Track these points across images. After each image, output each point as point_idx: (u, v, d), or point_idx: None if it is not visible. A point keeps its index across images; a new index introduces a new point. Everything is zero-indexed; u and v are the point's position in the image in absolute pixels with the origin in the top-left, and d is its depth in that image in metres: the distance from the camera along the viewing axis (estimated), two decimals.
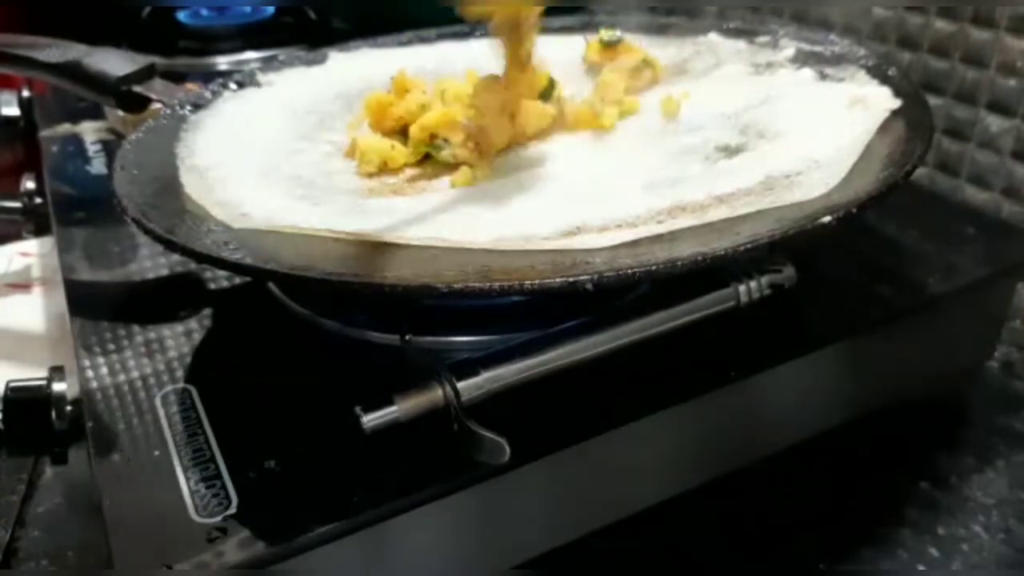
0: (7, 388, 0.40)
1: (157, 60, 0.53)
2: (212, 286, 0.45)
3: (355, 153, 0.44)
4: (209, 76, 0.65)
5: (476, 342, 0.37)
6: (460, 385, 0.32)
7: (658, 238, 0.34)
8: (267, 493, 0.31)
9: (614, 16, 0.61)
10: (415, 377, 0.33)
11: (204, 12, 0.84)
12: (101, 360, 0.39)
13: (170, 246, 0.35)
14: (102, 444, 0.34)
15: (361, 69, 0.56)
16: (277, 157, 0.45)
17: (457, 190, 0.41)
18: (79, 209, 0.53)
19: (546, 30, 0.60)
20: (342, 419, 0.32)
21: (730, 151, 0.41)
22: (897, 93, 0.44)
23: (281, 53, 0.72)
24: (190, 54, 0.79)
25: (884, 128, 0.41)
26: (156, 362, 0.39)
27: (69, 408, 0.40)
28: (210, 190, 0.41)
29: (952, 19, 0.55)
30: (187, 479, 0.32)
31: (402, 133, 0.45)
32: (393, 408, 0.32)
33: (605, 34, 0.53)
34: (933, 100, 0.55)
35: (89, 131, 0.65)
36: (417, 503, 0.31)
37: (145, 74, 0.51)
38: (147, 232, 0.36)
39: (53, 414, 0.40)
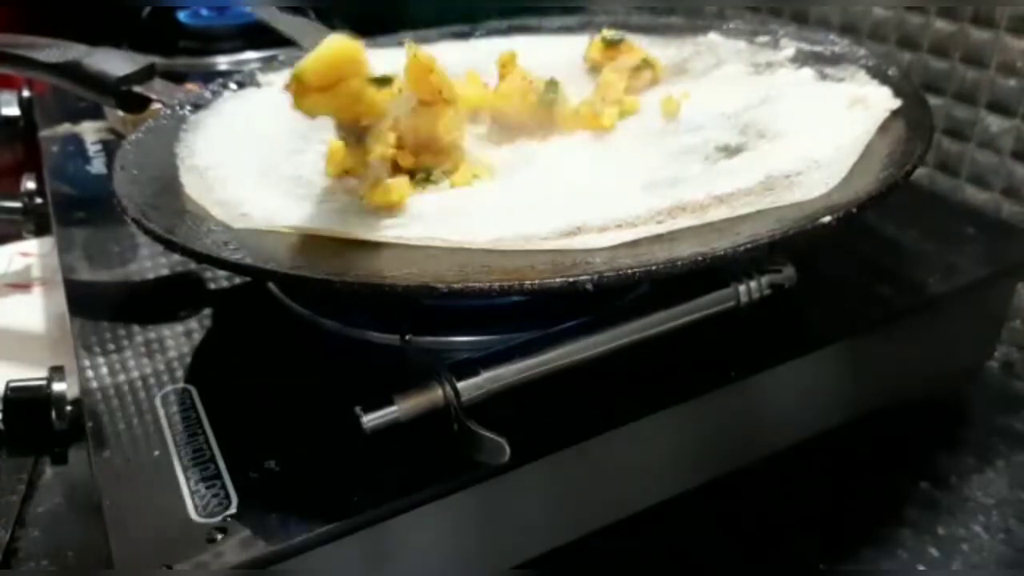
0: (7, 388, 0.40)
1: (157, 60, 0.53)
2: (212, 286, 0.45)
3: None
4: (209, 76, 0.65)
5: (476, 342, 0.37)
6: (460, 385, 0.32)
7: (658, 238, 0.34)
8: (267, 493, 0.31)
9: (614, 16, 0.61)
10: (415, 377, 0.33)
11: (204, 12, 0.84)
12: (101, 360, 0.39)
13: (170, 246, 0.35)
14: (102, 444, 0.34)
15: None
16: (277, 157, 0.45)
17: (457, 190, 0.41)
18: (79, 209, 0.53)
19: (546, 30, 0.61)
20: (342, 419, 0.32)
21: (730, 151, 0.41)
22: (897, 93, 0.44)
23: (281, 53, 0.72)
24: (190, 54, 0.79)
25: (884, 128, 0.41)
26: (156, 362, 0.39)
27: (69, 408, 0.40)
28: (210, 190, 0.41)
29: (952, 19, 0.55)
30: (187, 479, 0.32)
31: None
32: (393, 408, 0.32)
33: (607, 33, 0.53)
34: (933, 100, 0.55)
35: (89, 131, 0.65)
36: (417, 503, 0.31)
37: (145, 74, 0.51)
38: (147, 232, 0.36)
39: (53, 414, 0.40)
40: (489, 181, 0.41)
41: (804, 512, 0.41)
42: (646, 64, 0.51)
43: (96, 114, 0.66)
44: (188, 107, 0.50)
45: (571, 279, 0.30)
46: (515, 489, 0.34)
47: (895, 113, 0.42)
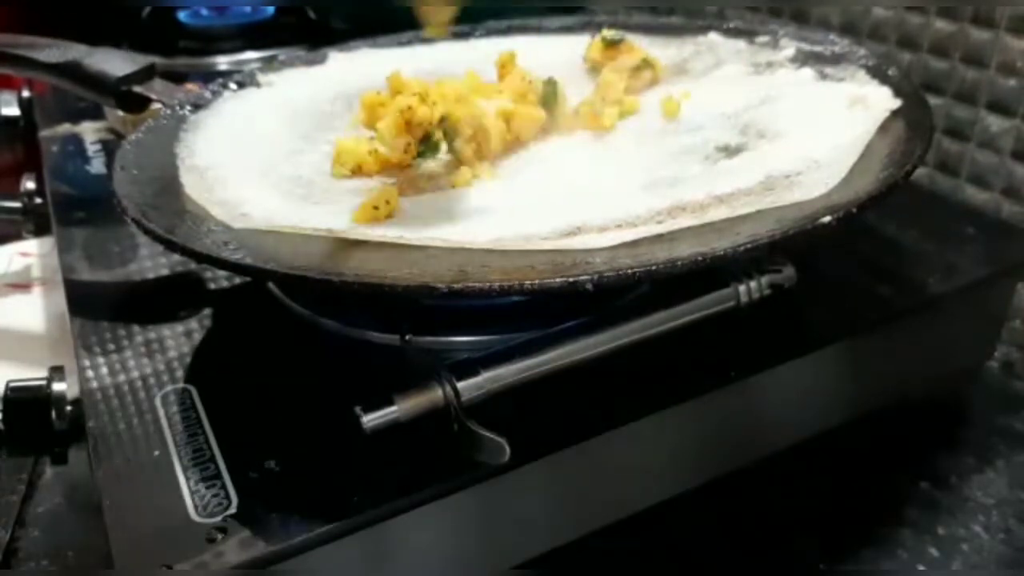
0: (7, 388, 0.40)
1: (157, 60, 0.53)
2: (212, 286, 0.45)
3: None
4: (209, 76, 0.65)
5: (476, 342, 0.37)
6: (460, 385, 0.32)
7: (658, 238, 0.34)
8: (267, 493, 0.31)
9: (614, 16, 0.61)
10: (415, 377, 0.33)
11: (204, 12, 0.84)
12: (101, 360, 0.39)
13: (170, 246, 0.35)
14: (102, 444, 0.34)
15: (361, 69, 0.56)
16: (277, 157, 0.45)
17: (457, 190, 0.41)
18: (79, 209, 0.53)
19: (546, 30, 0.61)
20: (342, 419, 0.32)
21: (730, 151, 0.41)
22: (897, 93, 0.44)
23: (281, 53, 0.72)
24: (190, 54, 0.79)
25: (884, 128, 0.41)
26: (156, 362, 0.39)
27: (69, 408, 0.40)
28: (210, 190, 0.41)
29: (952, 19, 0.55)
30: (187, 479, 0.32)
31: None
32: (393, 408, 0.32)
33: (608, 33, 0.53)
34: (933, 100, 0.55)
35: (89, 131, 0.65)
36: (417, 503, 0.31)
37: (145, 74, 0.51)
38: (147, 232, 0.36)
39: (53, 414, 0.40)
40: (489, 181, 0.41)
41: (804, 512, 0.41)
42: (646, 64, 0.51)
43: (96, 114, 0.66)
44: (188, 107, 0.50)
45: (571, 279, 0.30)
46: (515, 489, 0.34)
47: (895, 113, 0.42)
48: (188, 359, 0.39)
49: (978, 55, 0.54)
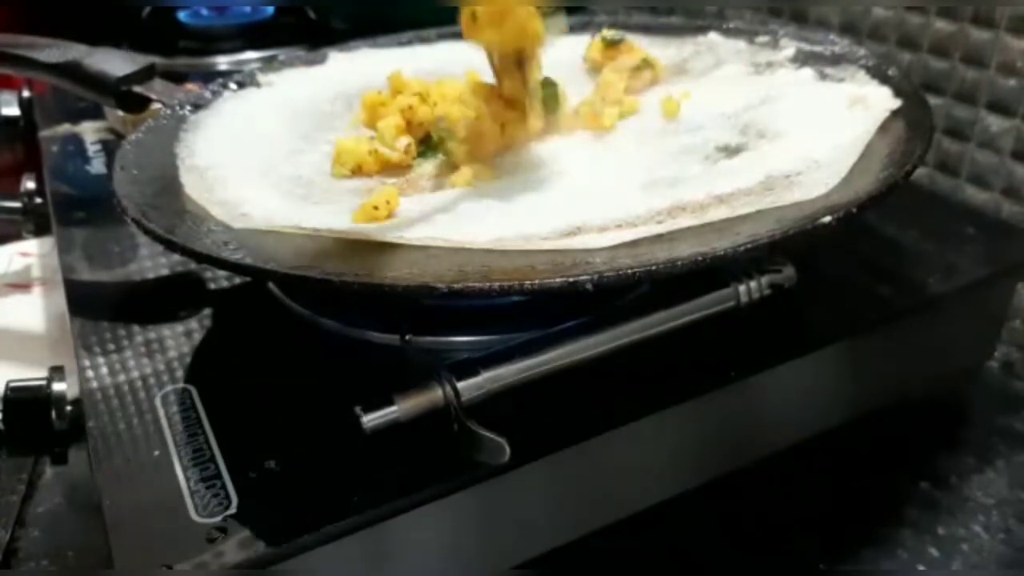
0: (7, 388, 0.40)
1: (157, 60, 0.53)
2: (212, 286, 0.45)
3: None
4: (209, 76, 0.65)
5: (476, 342, 0.37)
6: (460, 385, 0.32)
7: (658, 238, 0.34)
8: (267, 493, 0.31)
9: (614, 16, 0.61)
10: (415, 377, 0.33)
11: (204, 12, 0.84)
12: (101, 360, 0.39)
13: (170, 246, 0.35)
14: (102, 444, 0.34)
15: (361, 69, 0.56)
16: (277, 157, 0.45)
17: (457, 190, 0.41)
18: (79, 209, 0.53)
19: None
20: (342, 419, 0.32)
21: (730, 151, 0.41)
22: (897, 93, 0.44)
23: (281, 53, 0.72)
24: (190, 54, 0.79)
25: (884, 128, 0.41)
26: (156, 362, 0.39)
27: (69, 408, 0.40)
28: (210, 190, 0.41)
29: (952, 19, 0.55)
30: (187, 479, 0.32)
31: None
32: (393, 408, 0.32)
33: (608, 33, 0.53)
34: (933, 100, 0.55)
35: (89, 131, 0.65)
36: (417, 503, 0.31)
37: (145, 74, 0.51)
38: (147, 232, 0.36)
39: (53, 414, 0.40)
40: (489, 181, 0.41)
41: (804, 512, 0.41)
42: (646, 64, 0.51)
43: (96, 114, 0.66)
44: (188, 107, 0.50)
45: (571, 279, 0.30)
46: (515, 489, 0.34)
47: (895, 113, 0.42)
48: (188, 359, 0.39)
49: (978, 55, 0.54)
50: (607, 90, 0.48)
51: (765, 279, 0.38)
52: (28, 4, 0.80)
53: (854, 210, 0.33)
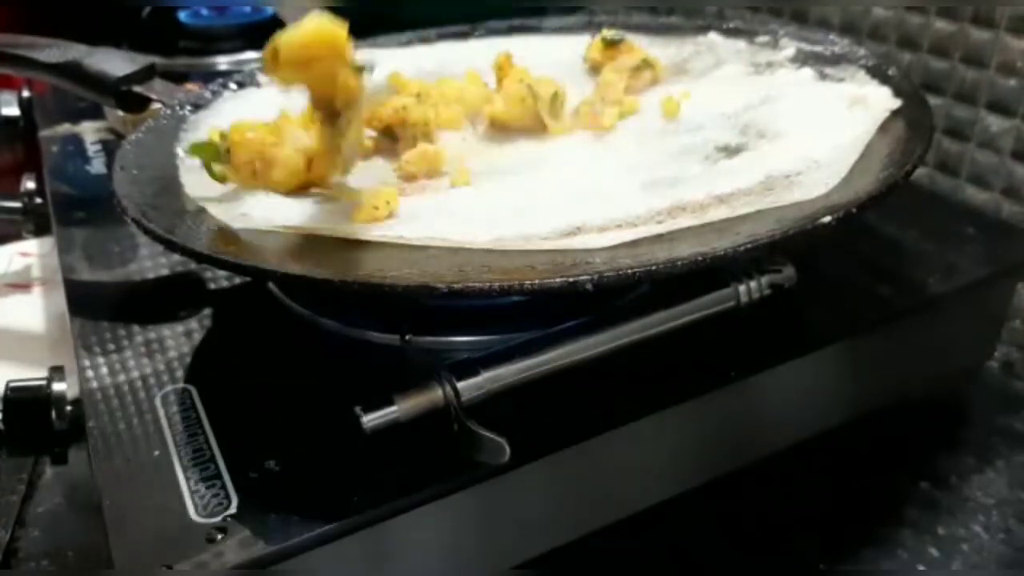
0: (7, 388, 0.40)
1: (157, 60, 0.53)
2: (212, 286, 0.45)
3: None
4: (209, 76, 0.65)
5: (476, 342, 0.37)
6: (460, 385, 0.32)
7: (658, 238, 0.34)
8: (267, 493, 0.31)
9: (614, 16, 0.61)
10: (415, 377, 0.33)
11: (204, 12, 0.84)
12: (101, 360, 0.39)
13: (170, 246, 0.35)
14: (102, 444, 0.34)
15: None
16: None
17: (457, 190, 0.41)
18: (79, 209, 0.53)
19: (546, 30, 0.61)
20: (342, 419, 0.32)
21: (730, 151, 0.41)
22: (897, 93, 0.44)
23: None
24: (190, 54, 0.79)
25: (884, 128, 0.41)
26: (156, 362, 0.39)
27: (69, 408, 0.40)
28: (210, 190, 0.41)
29: (952, 19, 0.55)
30: (187, 479, 0.32)
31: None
32: (393, 408, 0.32)
33: (607, 33, 0.53)
34: (933, 100, 0.55)
35: (89, 131, 0.65)
36: (417, 503, 0.31)
37: (145, 74, 0.51)
38: (147, 232, 0.36)
39: (53, 414, 0.40)
40: (489, 181, 0.41)
41: (804, 512, 0.41)
42: (646, 64, 0.51)
43: (96, 114, 0.66)
44: (188, 107, 0.50)
45: (571, 279, 0.30)
46: (515, 489, 0.34)
47: (895, 113, 0.42)
48: (188, 359, 0.39)
49: (978, 55, 0.54)
50: (607, 90, 0.48)
51: (765, 279, 0.38)
52: (28, 4, 0.80)
53: (854, 210, 0.33)
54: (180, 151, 0.45)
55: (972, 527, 0.41)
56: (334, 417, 0.33)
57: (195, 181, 0.42)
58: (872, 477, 0.43)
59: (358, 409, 0.32)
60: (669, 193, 0.37)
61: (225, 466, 0.32)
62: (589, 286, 0.30)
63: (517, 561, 0.36)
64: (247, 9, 0.83)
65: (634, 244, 0.34)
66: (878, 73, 0.47)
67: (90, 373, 0.38)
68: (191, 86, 0.55)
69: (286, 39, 0.36)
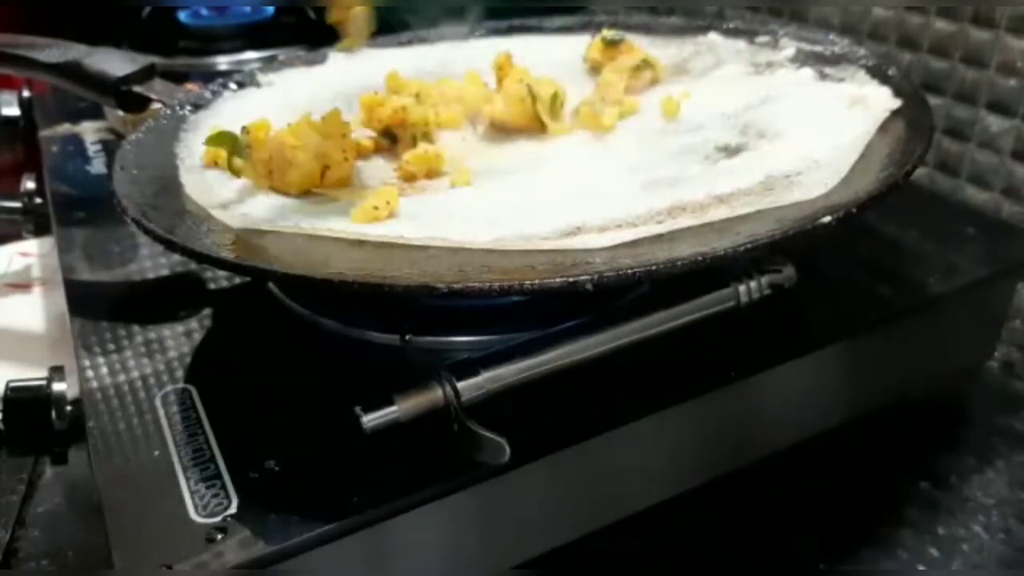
0: (7, 388, 0.40)
1: (157, 60, 0.53)
2: (212, 286, 0.45)
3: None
4: (209, 76, 0.65)
5: (476, 342, 0.37)
6: (460, 385, 0.32)
7: (658, 238, 0.34)
8: (267, 493, 0.31)
9: (614, 16, 0.61)
10: (415, 377, 0.33)
11: (204, 12, 0.84)
12: (101, 360, 0.39)
13: (170, 246, 0.35)
14: (102, 444, 0.34)
15: (361, 69, 0.56)
16: None
17: (457, 190, 0.41)
18: (79, 209, 0.53)
19: (546, 30, 0.61)
20: (342, 419, 0.32)
21: (730, 151, 0.41)
22: (897, 93, 0.44)
23: (281, 53, 0.72)
24: (190, 54, 0.79)
25: (884, 128, 0.41)
26: (156, 362, 0.39)
27: (69, 408, 0.40)
28: (210, 190, 0.41)
29: (952, 19, 0.55)
30: (187, 479, 0.32)
31: (385, 134, 0.46)
32: (393, 408, 0.32)
33: (607, 33, 0.53)
34: (933, 100, 0.55)
35: (89, 131, 0.65)
36: (417, 503, 0.31)
37: (145, 74, 0.51)
38: (147, 232, 0.36)
39: (53, 414, 0.40)
40: (489, 181, 0.41)
41: (804, 512, 0.41)
42: (646, 64, 0.51)
43: (96, 114, 0.66)
44: (188, 107, 0.50)
45: (571, 279, 0.30)
46: (515, 489, 0.34)
47: (895, 113, 0.42)
48: (188, 359, 0.39)
49: (978, 55, 0.54)
50: (607, 90, 0.48)
51: (765, 279, 0.38)
52: (28, 4, 0.80)
53: (854, 210, 0.33)
54: (181, 151, 0.45)
55: (972, 527, 0.41)
56: (334, 417, 0.33)
57: (195, 181, 0.43)
58: (872, 477, 0.43)
59: (358, 409, 0.32)
60: (669, 193, 0.37)
61: (225, 466, 0.32)
62: (589, 286, 0.30)
63: (517, 561, 0.36)
64: (247, 9, 0.83)
65: (634, 244, 0.34)
66: (878, 73, 0.47)
67: (90, 373, 0.38)
68: (191, 86, 0.55)
69: None
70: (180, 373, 0.38)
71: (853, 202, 0.34)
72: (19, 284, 0.60)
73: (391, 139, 0.45)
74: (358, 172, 0.43)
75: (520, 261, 0.33)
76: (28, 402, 0.40)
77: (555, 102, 0.46)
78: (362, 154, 0.45)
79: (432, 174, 0.43)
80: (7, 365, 0.49)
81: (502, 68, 0.49)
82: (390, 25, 0.62)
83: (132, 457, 0.33)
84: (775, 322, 0.39)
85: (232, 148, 0.42)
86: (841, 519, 0.41)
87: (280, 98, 0.53)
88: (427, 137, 0.45)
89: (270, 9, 0.84)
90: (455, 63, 0.54)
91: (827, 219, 0.33)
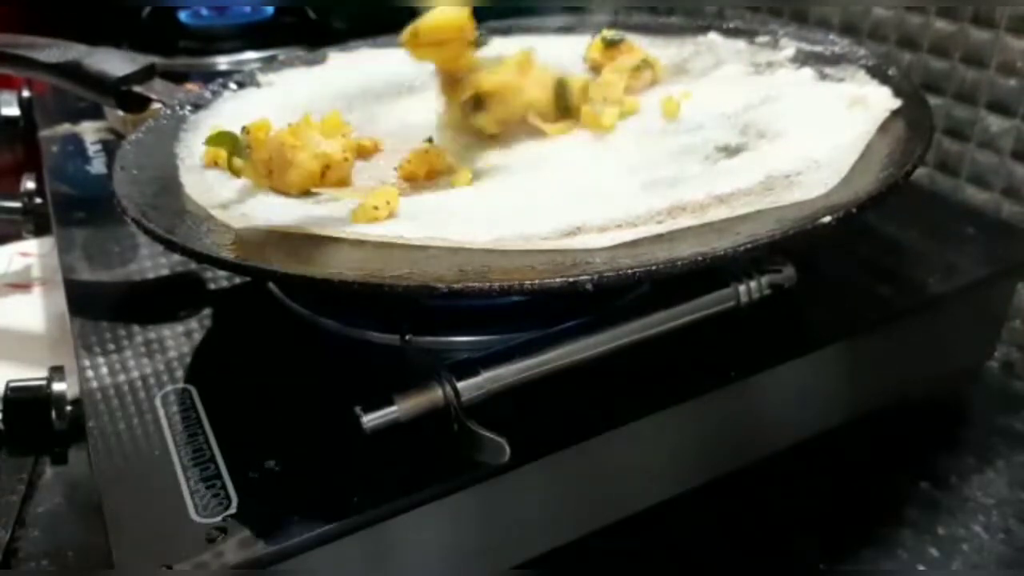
0: (7, 388, 0.40)
1: (157, 60, 0.53)
2: (212, 286, 0.45)
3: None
4: (209, 76, 0.65)
5: (476, 342, 0.37)
6: (460, 385, 0.32)
7: (658, 238, 0.34)
8: (267, 493, 0.31)
9: (614, 16, 0.61)
10: (415, 377, 0.33)
11: (204, 12, 0.84)
12: (101, 360, 0.39)
13: (170, 246, 0.35)
14: (102, 444, 0.34)
15: (361, 69, 0.56)
16: None
17: (457, 190, 0.41)
18: (79, 209, 0.53)
19: (546, 30, 0.61)
20: (342, 419, 0.32)
21: (730, 151, 0.41)
22: (897, 93, 0.44)
23: (281, 53, 0.72)
24: (190, 54, 0.79)
25: (884, 128, 0.41)
26: (156, 362, 0.39)
27: (69, 408, 0.40)
28: (210, 190, 0.41)
29: (952, 19, 0.55)
30: (187, 479, 0.32)
31: (474, 100, 0.45)
32: (393, 408, 0.32)
33: (608, 33, 0.53)
34: (933, 100, 0.55)
35: (89, 131, 0.65)
36: (417, 503, 0.31)
37: (145, 74, 0.51)
38: (147, 232, 0.36)
39: (53, 414, 0.40)
40: (489, 181, 0.41)
41: (804, 512, 0.41)
42: (646, 64, 0.51)
43: (96, 114, 0.66)
44: (188, 107, 0.50)
45: (571, 279, 0.30)
46: (515, 489, 0.34)
47: (895, 113, 0.42)
48: (188, 359, 0.39)
49: (978, 55, 0.54)
50: (607, 90, 0.48)
51: (765, 279, 0.38)
52: (28, 4, 0.80)
53: (854, 210, 0.33)
54: (181, 151, 0.45)
55: (972, 527, 0.41)
56: (334, 417, 0.33)
57: (195, 181, 0.43)
58: (872, 477, 0.43)
59: (358, 409, 0.32)
60: (669, 193, 0.37)
61: (225, 466, 0.32)
62: (589, 286, 0.30)
63: (517, 561, 0.36)
64: (247, 9, 0.83)
65: (634, 244, 0.34)
66: (878, 73, 0.47)
67: (90, 373, 0.38)
68: (191, 86, 0.55)
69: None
70: (180, 373, 0.38)
71: (853, 202, 0.34)
72: (19, 284, 0.60)
73: (477, 105, 0.45)
74: (358, 172, 0.43)
75: (520, 261, 0.33)
76: (28, 402, 0.40)
77: (585, 93, 0.46)
78: (362, 154, 0.45)
79: (432, 174, 0.43)
80: (7, 365, 0.49)
81: (522, 66, 0.49)
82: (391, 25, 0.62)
83: (132, 457, 0.33)
84: (775, 322, 0.39)
85: (232, 148, 0.42)
86: (841, 519, 0.41)
87: (280, 98, 0.53)
88: (512, 116, 0.45)
89: (270, 9, 0.84)
90: None
91: (827, 219, 0.33)
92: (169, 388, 0.37)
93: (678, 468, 0.39)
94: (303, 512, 0.30)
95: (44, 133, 0.65)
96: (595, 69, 0.53)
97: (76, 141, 0.64)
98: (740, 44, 0.54)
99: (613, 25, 0.57)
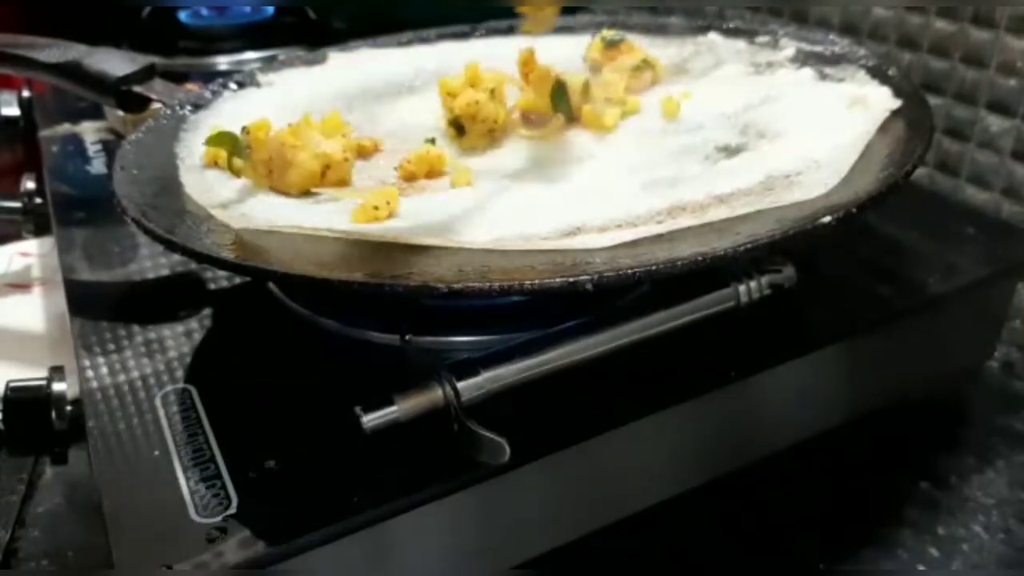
0: (7, 388, 0.40)
1: (157, 60, 0.53)
2: (212, 286, 0.45)
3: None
4: (209, 76, 0.65)
5: (476, 342, 0.37)
6: (460, 385, 0.32)
7: (658, 238, 0.34)
8: (267, 493, 0.31)
9: (614, 16, 0.61)
10: (415, 377, 0.33)
11: (204, 12, 0.84)
12: (101, 360, 0.39)
13: (170, 246, 0.35)
14: (102, 444, 0.34)
15: (361, 69, 0.56)
16: None
17: (457, 190, 0.41)
18: (79, 209, 0.53)
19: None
20: (342, 419, 0.32)
21: (730, 151, 0.41)
22: (897, 93, 0.44)
23: (281, 53, 0.72)
24: (190, 54, 0.79)
25: (884, 128, 0.41)
26: (156, 362, 0.39)
27: (69, 408, 0.40)
28: (210, 190, 0.41)
29: (952, 19, 0.55)
30: (187, 479, 0.32)
31: (455, 124, 0.46)
32: (393, 408, 0.32)
33: (607, 33, 0.53)
34: (933, 100, 0.55)
35: (89, 131, 0.65)
36: (417, 503, 0.31)
37: (145, 74, 0.51)
38: (147, 232, 0.36)
39: (53, 414, 0.40)
40: (489, 181, 0.41)
41: (804, 512, 0.41)
42: (646, 64, 0.51)
43: (96, 114, 0.66)
44: (188, 107, 0.50)
45: (571, 279, 0.30)
46: (515, 489, 0.34)
47: (895, 113, 0.42)
48: (188, 359, 0.39)
49: (978, 55, 0.54)
50: (608, 90, 0.48)
51: (765, 279, 0.38)
52: (28, 4, 0.80)
53: (854, 210, 0.33)
54: (181, 151, 0.45)
55: (972, 527, 0.41)
56: (334, 417, 0.33)
57: (195, 181, 0.43)
58: (872, 477, 0.43)
59: (358, 409, 0.32)
60: (669, 193, 0.37)
61: (225, 466, 0.32)
62: (589, 286, 0.30)
63: (517, 561, 0.36)
64: (247, 9, 0.83)
65: (634, 244, 0.34)
66: (878, 73, 0.47)
67: (90, 373, 0.38)
68: (191, 86, 0.55)
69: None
70: (180, 373, 0.38)
71: (853, 202, 0.34)
72: (19, 284, 0.60)
73: (459, 130, 0.46)
74: (358, 172, 0.43)
75: (520, 261, 0.33)
76: (28, 402, 0.40)
77: (586, 91, 0.46)
78: (362, 154, 0.45)
79: (432, 174, 0.43)
80: (7, 365, 0.49)
81: (527, 64, 0.49)
82: (391, 25, 0.62)
83: (132, 457, 0.33)
84: (775, 322, 0.39)
85: (232, 148, 0.42)
86: (841, 519, 0.41)
87: (280, 98, 0.53)
88: (493, 134, 0.45)
89: (270, 9, 0.84)
90: (456, 63, 0.54)
91: (827, 219, 0.33)
92: (169, 388, 0.37)
93: (678, 468, 0.39)
94: (303, 512, 0.30)
95: (44, 133, 0.65)
96: (595, 69, 0.53)
97: (76, 141, 0.64)
98: (740, 44, 0.54)
99: (613, 25, 0.57)
